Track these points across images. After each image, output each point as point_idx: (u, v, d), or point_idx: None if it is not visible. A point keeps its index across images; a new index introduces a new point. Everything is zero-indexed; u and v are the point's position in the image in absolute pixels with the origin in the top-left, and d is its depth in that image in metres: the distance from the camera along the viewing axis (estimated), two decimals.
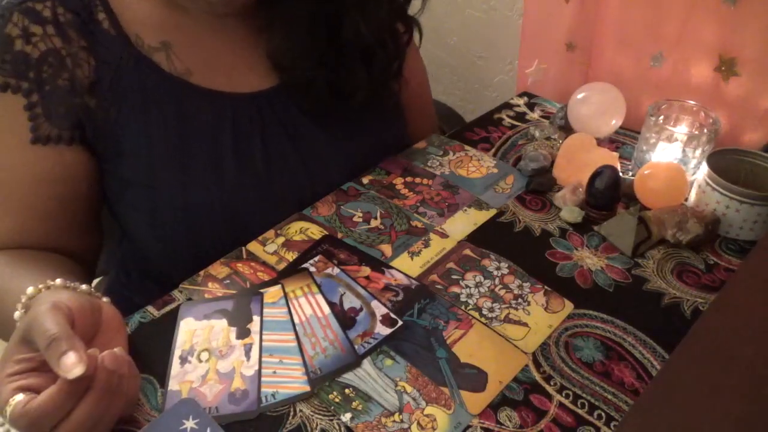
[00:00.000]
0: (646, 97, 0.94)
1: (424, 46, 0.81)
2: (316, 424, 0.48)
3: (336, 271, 0.62)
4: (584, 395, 0.51)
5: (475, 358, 0.54)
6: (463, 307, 0.59)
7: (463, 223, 0.69)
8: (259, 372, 0.52)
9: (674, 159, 0.73)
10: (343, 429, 0.48)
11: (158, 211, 0.64)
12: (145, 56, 0.62)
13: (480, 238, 0.67)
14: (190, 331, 0.56)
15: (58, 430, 0.42)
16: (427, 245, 0.66)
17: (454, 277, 0.62)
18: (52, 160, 0.61)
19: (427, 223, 0.69)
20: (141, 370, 0.51)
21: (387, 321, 0.57)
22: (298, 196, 0.70)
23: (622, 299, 0.60)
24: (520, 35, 1.12)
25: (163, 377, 0.52)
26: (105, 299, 0.53)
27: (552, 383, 0.52)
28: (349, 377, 0.52)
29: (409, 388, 0.51)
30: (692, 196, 0.70)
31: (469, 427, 0.48)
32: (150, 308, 0.59)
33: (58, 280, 0.51)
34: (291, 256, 0.64)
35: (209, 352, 0.54)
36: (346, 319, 0.57)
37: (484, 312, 0.58)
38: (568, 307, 0.59)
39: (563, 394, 0.51)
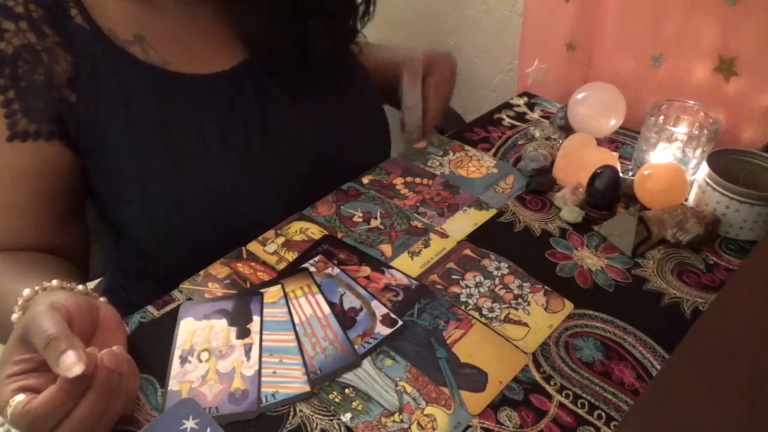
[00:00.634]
0: (646, 97, 0.94)
1: (424, 46, 0.81)
2: (316, 424, 0.48)
3: (336, 271, 0.62)
4: (584, 395, 0.51)
5: (475, 358, 0.54)
6: (463, 307, 0.59)
7: (463, 223, 0.69)
8: (259, 372, 0.52)
9: (674, 159, 0.73)
10: (343, 429, 0.48)
11: (149, 203, 0.64)
12: (121, 48, 0.62)
13: (480, 238, 0.67)
14: (190, 331, 0.56)
15: (59, 429, 0.42)
16: (427, 245, 0.66)
17: (454, 277, 0.62)
18: (30, 156, 0.61)
19: (427, 223, 0.69)
20: (141, 370, 0.51)
21: (387, 321, 0.57)
22: (284, 170, 0.70)
23: (622, 299, 0.60)
24: (520, 35, 1.12)
25: (163, 377, 0.52)
26: (102, 299, 0.54)
27: (552, 383, 0.52)
28: (349, 377, 0.52)
29: (409, 388, 0.51)
30: (692, 196, 0.70)
31: (469, 427, 0.48)
32: (150, 308, 0.59)
33: (54, 281, 0.51)
34: (291, 256, 0.64)
35: (209, 352, 0.54)
36: (346, 319, 0.57)
37: (484, 312, 0.58)
38: (568, 307, 0.59)
39: (563, 394, 0.51)
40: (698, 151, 0.72)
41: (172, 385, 0.51)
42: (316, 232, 0.67)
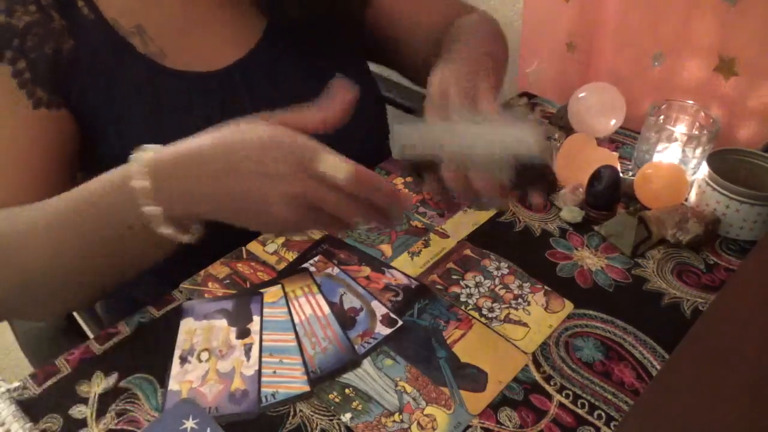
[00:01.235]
0: (646, 97, 0.94)
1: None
2: (316, 424, 0.48)
3: (336, 271, 0.62)
4: (584, 395, 0.51)
5: (475, 358, 0.54)
6: (463, 307, 0.59)
7: (463, 223, 0.69)
8: (259, 372, 0.52)
9: (674, 159, 0.73)
10: (343, 429, 0.48)
11: None
12: (123, 38, 0.63)
13: (480, 238, 0.67)
14: (190, 331, 0.56)
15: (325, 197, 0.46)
16: (427, 245, 0.66)
17: (454, 277, 0.62)
18: (44, 124, 0.61)
19: (427, 223, 0.69)
20: (141, 370, 0.51)
21: (387, 321, 0.57)
22: None
23: (622, 299, 0.60)
24: (520, 35, 1.12)
25: (163, 377, 0.52)
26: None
27: (552, 383, 0.52)
28: (349, 377, 0.52)
29: (409, 388, 0.51)
30: (692, 196, 0.70)
31: (469, 427, 0.48)
32: (150, 308, 0.59)
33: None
34: (291, 256, 0.64)
35: (209, 352, 0.54)
36: (346, 319, 0.57)
37: (484, 312, 0.58)
38: (568, 307, 0.59)
39: (563, 394, 0.51)
40: (698, 151, 0.72)
41: (172, 385, 0.51)
42: (316, 231, 0.67)
